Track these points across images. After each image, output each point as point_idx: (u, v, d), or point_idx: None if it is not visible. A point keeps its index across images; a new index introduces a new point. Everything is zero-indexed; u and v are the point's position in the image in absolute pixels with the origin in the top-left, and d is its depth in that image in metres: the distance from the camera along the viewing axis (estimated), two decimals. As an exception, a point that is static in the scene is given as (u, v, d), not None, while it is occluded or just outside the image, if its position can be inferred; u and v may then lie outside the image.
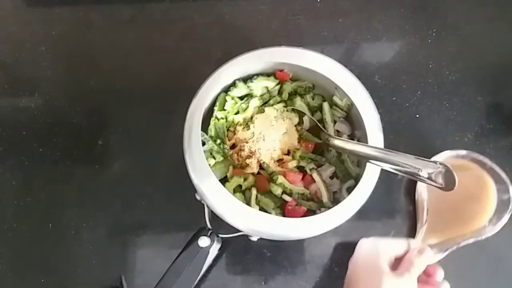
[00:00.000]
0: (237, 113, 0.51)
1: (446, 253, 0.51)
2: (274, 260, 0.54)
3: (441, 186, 0.33)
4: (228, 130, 0.51)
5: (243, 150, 0.50)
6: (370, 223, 0.56)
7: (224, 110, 0.51)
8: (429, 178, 0.34)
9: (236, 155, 0.50)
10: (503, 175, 0.53)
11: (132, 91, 0.61)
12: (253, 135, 0.50)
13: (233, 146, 0.51)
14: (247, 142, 0.50)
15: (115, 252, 0.54)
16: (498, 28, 0.67)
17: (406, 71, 0.64)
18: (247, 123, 0.51)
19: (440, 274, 0.47)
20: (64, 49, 0.63)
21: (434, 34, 0.66)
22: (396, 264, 0.46)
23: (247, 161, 0.49)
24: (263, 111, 0.51)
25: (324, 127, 0.51)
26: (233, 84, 0.50)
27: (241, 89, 0.50)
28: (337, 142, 0.47)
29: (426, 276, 0.48)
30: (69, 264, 0.53)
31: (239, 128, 0.51)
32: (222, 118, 0.50)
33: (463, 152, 0.54)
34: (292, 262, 0.54)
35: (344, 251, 0.55)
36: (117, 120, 0.59)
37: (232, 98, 0.51)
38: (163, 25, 0.65)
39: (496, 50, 0.66)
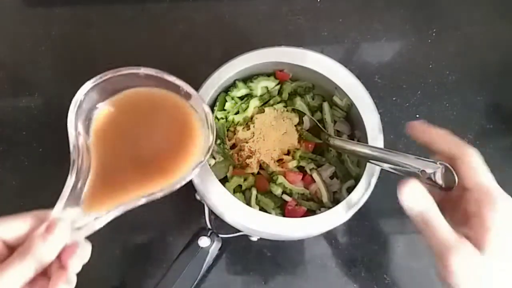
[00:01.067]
0: (237, 113, 0.51)
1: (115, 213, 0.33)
2: (274, 260, 0.54)
3: (441, 186, 0.33)
4: (228, 130, 0.51)
5: (243, 150, 0.50)
6: (370, 223, 0.56)
7: (224, 110, 0.51)
8: (429, 178, 0.34)
9: (236, 155, 0.50)
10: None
11: (132, 91, 0.61)
12: (253, 135, 0.50)
13: (233, 146, 0.51)
14: (247, 142, 0.50)
15: (115, 252, 0.54)
16: (498, 28, 0.67)
17: (406, 71, 0.64)
18: (247, 123, 0.51)
19: (75, 262, 0.30)
20: (64, 49, 0.63)
21: (434, 34, 0.66)
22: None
23: (247, 161, 0.49)
24: (263, 111, 0.51)
25: (324, 127, 0.51)
26: (233, 84, 0.50)
27: (241, 89, 0.50)
28: (337, 142, 0.47)
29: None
30: (69, 264, 0.53)
31: (239, 128, 0.51)
32: (222, 118, 0.50)
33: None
34: (292, 262, 0.54)
35: (344, 251, 0.55)
36: (117, 120, 0.59)
37: (232, 98, 0.51)
38: (163, 25, 0.65)
39: (496, 50, 0.66)
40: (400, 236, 0.56)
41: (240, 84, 0.50)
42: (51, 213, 0.31)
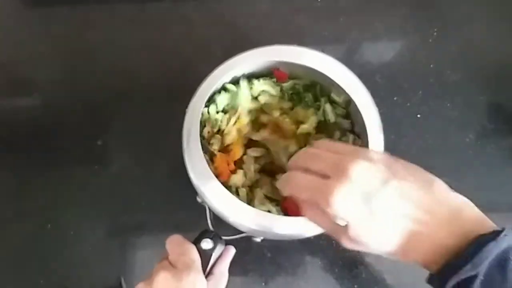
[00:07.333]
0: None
1: None
2: (274, 261, 0.54)
3: None
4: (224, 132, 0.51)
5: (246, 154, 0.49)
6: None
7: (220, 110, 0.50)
8: None
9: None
10: None
11: (131, 91, 0.61)
12: (254, 136, 0.50)
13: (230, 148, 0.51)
14: (249, 147, 0.50)
15: (114, 253, 0.54)
16: (499, 28, 0.67)
17: (407, 70, 0.63)
18: (246, 124, 0.51)
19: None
20: (64, 49, 0.63)
21: (435, 33, 0.65)
22: None
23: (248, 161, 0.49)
24: (263, 112, 0.51)
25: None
26: (233, 84, 0.50)
27: (240, 90, 0.50)
28: None
29: None
30: (69, 264, 0.53)
31: (238, 129, 0.51)
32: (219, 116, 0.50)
33: None
34: (292, 263, 0.54)
35: (344, 251, 0.54)
36: (117, 120, 0.59)
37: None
38: (163, 25, 0.65)
39: (498, 50, 0.66)
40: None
41: (239, 84, 0.50)
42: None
